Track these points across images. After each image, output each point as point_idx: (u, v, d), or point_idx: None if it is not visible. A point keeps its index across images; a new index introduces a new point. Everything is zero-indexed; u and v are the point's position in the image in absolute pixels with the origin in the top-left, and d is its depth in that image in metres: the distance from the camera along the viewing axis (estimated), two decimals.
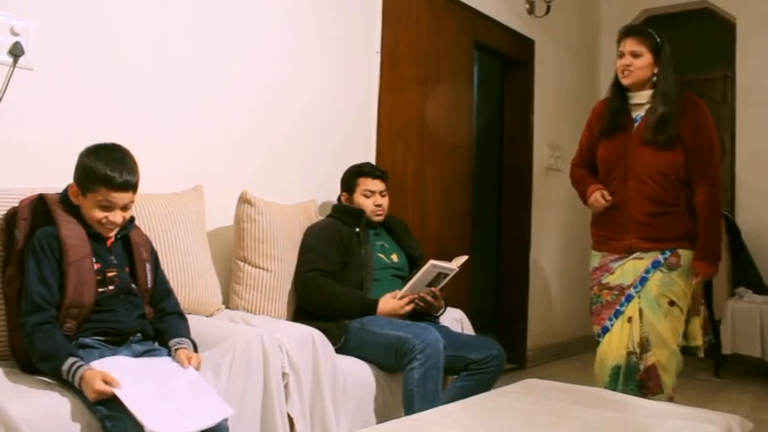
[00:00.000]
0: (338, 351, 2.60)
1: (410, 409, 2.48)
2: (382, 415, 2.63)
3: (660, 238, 2.78)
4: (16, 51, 2.29)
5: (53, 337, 1.83)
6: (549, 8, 4.95)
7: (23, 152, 2.33)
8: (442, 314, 2.98)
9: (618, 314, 2.81)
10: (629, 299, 2.80)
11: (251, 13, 3.09)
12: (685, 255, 2.77)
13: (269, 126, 3.17)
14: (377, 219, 3.03)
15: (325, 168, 3.34)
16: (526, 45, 4.97)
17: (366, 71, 3.69)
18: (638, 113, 2.84)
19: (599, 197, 2.85)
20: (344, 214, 3.00)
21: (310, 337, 2.41)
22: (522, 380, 2.52)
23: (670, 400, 2.72)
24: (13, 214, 2.02)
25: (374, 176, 3.06)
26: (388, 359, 2.63)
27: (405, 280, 2.97)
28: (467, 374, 2.74)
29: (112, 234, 2.03)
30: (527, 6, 4.93)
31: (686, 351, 2.87)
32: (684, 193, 2.79)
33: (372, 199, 3.02)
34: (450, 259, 2.84)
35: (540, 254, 5.04)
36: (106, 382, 1.72)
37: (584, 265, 5.57)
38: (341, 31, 3.54)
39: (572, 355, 5.30)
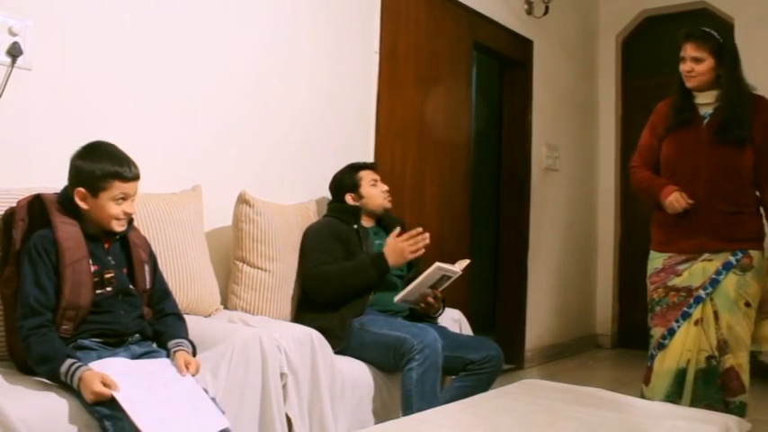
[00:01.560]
0: (337, 351, 2.60)
1: (408, 409, 2.48)
2: (380, 415, 2.63)
3: (732, 238, 2.74)
4: (14, 51, 2.29)
5: (50, 341, 1.83)
6: (547, 9, 4.95)
7: (22, 152, 2.32)
8: (440, 315, 2.98)
9: (686, 316, 2.77)
10: (699, 301, 2.75)
11: (249, 13, 3.09)
12: (757, 255, 2.75)
13: (267, 126, 3.17)
14: (388, 205, 3.06)
15: (324, 168, 3.33)
16: (524, 45, 4.97)
17: (365, 71, 3.69)
18: (707, 111, 2.80)
19: (679, 198, 2.76)
20: (341, 212, 3.01)
21: (309, 337, 2.41)
22: (521, 380, 2.52)
23: None
24: (10, 215, 2.02)
25: (371, 168, 3.11)
26: (386, 359, 2.63)
27: (403, 279, 2.98)
28: (465, 375, 2.74)
29: (125, 227, 2.04)
30: (525, 7, 4.93)
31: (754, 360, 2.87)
32: (755, 194, 2.78)
33: (379, 187, 3.05)
34: (450, 260, 2.85)
35: (539, 254, 5.04)
36: (105, 385, 1.72)
37: (582, 265, 5.63)
38: (339, 32, 3.54)
39: (570, 356, 5.30)
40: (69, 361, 1.77)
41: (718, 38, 2.75)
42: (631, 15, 5.74)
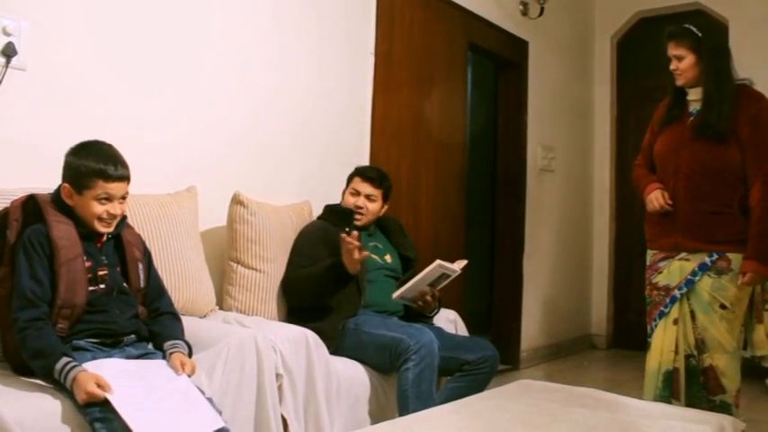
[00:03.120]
0: (332, 351, 2.60)
1: (404, 409, 2.48)
2: (376, 416, 2.63)
3: (708, 239, 2.67)
4: (9, 52, 2.28)
5: (47, 336, 1.82)
6: (542, 10, 4.96)
7: (16, 152, 2.32)
8: (435, 315, 2.98)
9: (662, 315, 2.75)
10: (674, 300, 2.72)
11: (244, 13, 3.09)
12: (736, 258, 2.64)
13: (262, 127, 3.17)
14: (354, 221, 2.93)
15: (319, 169, 3.33)
16: (520, 46, 4.98)
17: (360, 72, 3.69)
18: (696, 107, 2.77)
19: (659, 196, 2.75)
20: (334, 215, 3.00)
21: (304, 337, 2.41)
22: (516, 380, 2.52)
23: (736, 403, 2.66)
24: (4, 215, 2.01)
25: (364, 178, 3.02)
26: (382, 360, 2.63)
27: (398, 281, 2.97)
28: (460, 375, 2.74)
29: (111, 229, 2.02)
30: (520, 8, 4.93)
31: (750, 360, 2.79)
32: (739, 194, 2.67)
33: (355, 198, 2.99)
34: (446, 260, 2.85)
35: (534, 254, 5.05)
36: (99, 386, 1.71)
37: (577, 265, 5.64)
38: (335, 32, 3.54)
39: (565, 356, 5.31)
40: (65, 359, 1.76)
41: (697, 33, 2.71)
42: (626, 16, 5.75)
